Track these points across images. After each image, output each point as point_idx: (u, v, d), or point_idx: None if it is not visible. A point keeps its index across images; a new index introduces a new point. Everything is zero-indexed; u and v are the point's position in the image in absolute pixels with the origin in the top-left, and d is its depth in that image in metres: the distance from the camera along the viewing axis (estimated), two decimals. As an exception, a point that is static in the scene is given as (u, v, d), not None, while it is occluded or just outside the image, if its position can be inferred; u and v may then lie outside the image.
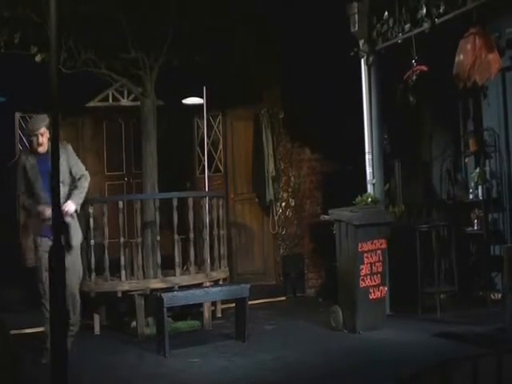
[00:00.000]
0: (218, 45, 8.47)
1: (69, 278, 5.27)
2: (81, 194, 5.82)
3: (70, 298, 5.61)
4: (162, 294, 5.89)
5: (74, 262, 5.70)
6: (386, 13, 6.95)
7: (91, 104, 9.38)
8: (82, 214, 7.14)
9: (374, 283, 6.42)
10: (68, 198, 5.70)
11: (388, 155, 7.82)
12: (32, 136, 5.82)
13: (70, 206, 5.66)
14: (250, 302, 6.35)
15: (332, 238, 6.70)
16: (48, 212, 5.26)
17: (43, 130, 5.78)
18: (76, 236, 5.80)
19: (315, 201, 9.31)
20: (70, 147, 5.91)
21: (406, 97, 6.97)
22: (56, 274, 3.97)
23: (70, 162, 5.81)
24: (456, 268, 7.40)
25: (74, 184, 5.81)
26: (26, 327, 6.93)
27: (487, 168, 7.67)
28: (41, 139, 5.78)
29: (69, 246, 5.55)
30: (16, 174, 6.06)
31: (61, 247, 4.24)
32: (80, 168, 5.89)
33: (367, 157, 7.36)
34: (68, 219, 5.66)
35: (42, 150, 5.75)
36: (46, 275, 5.33)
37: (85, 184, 5.87)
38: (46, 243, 5.47)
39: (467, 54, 6.26)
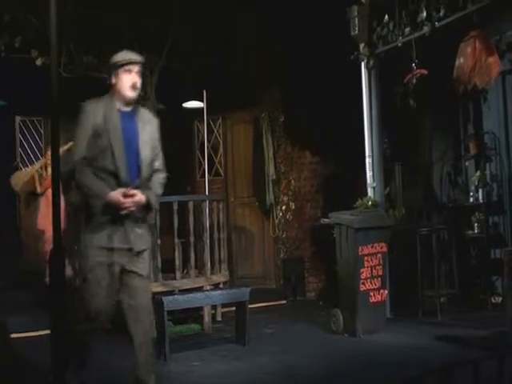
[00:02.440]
0: (218, 48, 8.49)
1: (136, 298, 4.00)
2: (156, 190, 4.18)
3: (139, 328, 4.03)
4: (163, 298, 5.89)
5: (140, 277, 4.06)
6: (386, 16, 6.95)
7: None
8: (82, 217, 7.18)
9: (374, 287, 6.41)
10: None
11: (388, 158, 7.82)
12: (123, 70, 4.01)
13: (141, 198, 3.98)
14: (250, 306, 6.34)
15: (332, 242, 6.69)
16: (128, 202, 3.90)
17: (139, 67, 4.08)
18: (140, 241, 4.07)
19: (315, 204, 9.31)
20: (156, 121, 4.25)
21: (407, 100, 6.97)
22: (56, 276, 3.94)
23: (154, 137, 4.18)
24: (456, 271, 7.39)
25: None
26: (27, 330, 6.92)
27: (487, 171, 7.67)
28: (137, 79, 4.05)
29: (130, 252, 4.01)
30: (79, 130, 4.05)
31: (61, 250, 4.17)
32: (161, 158, 4.27)
33: (367, 160, 7.35)
34: (138, 216, 4.04)
35: (133, 95, 4.04)
36: (103, 292, 3.96)
37: (161, 183, 4.25)
38: (115, 253, 3.98)
39: (467, 57, 6.27)
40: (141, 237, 4.06)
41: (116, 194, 3.89)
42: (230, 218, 9.61)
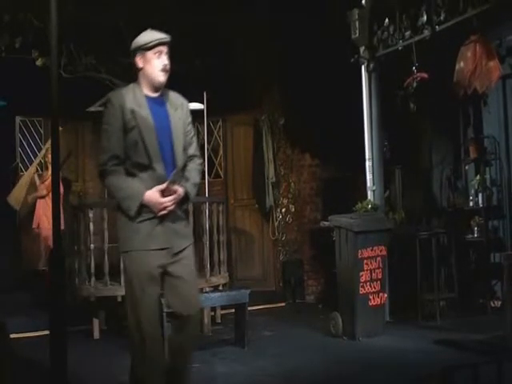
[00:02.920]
0: (218, 49, 8.49)
1: (181, 304, 3.70)
2: (194, 179, 3.82)
3: (185, 330, 3.75)
4: (162, 299, 5.87)
5: (185, 275, 3.76)
6: (387, 20, 6.96)
7: (91, 109, 9.38)
8: (82, 218, 7.18)
9: (373, 290, 6.41)
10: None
11: (388, 162, 7.82)
12: (152, 52, 3.65)
13: (179, 192, 3.67)
14: (249, 308, 6.33)
15: (332, 245, 6.69)
16: (167, 201, 3.58)
17: (168, 48, 3.72)
18: (180, 239, 3.76)
19: (315, 207, 9.31)
20: (187, 104, 3.88)
21: (407, 104, 6.98)
22: (56, 273, 3.91)
23: (186, 121, 3.81)
24: (456, 275, 7.38)
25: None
26: (27, 331, 6.91)
27: (487, 175, 7.67)
28: (168, 61, 3.70)
29: (170, 252, 3.70)
30: (107, 127, 3.66)
31: (60, 249, 4.12)
32: (195, 142, 3.91)
33: (367, 163, 7.36)
34: (177, 212, 3.72)
35: (164, 79, 3.69)
36: (153, 309, 3.68)
37: (198, 170, 3.88)
38: (156, 255, 3.61)
39: (468, 61, 6.28)
40: (180, 234, 3.73)
41: (153, 194, 3.57)
42: (229, 220, 9.60)
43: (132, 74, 7.53)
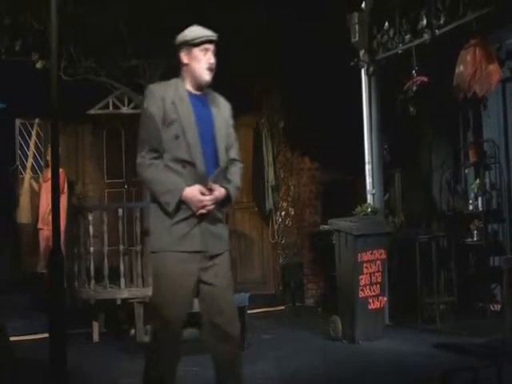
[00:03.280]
0: (218, 52, 8.49)
1: (215, 314, 3.53)
2: (237, 183, 3.61)
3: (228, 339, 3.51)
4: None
5: (221, 284, 3.52)
6: (387, 23, 6.98)
7: (91, 111, 9.38)
8: (82, 220, 7.18)
9: (373, 293, 6.41)
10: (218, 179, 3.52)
11: (388, 165, 7.82)
12: (199, 49, 3.55)
13: (220, 192, 3.46)
14: (248, 311, 6.34)
15: (331, 248, 6.69)
16: (207, 201, 3.38)
17: (214, 46, 3.63)
18: (217, 243, 3.50)
19: (315, 210, 9.31)
20: (230, 107, 3.74)
21: (406, 107, 6.98)
22: (56, 276, 3.92)
23: (229, 123, 3.67)
24: (455, 279, 7.39)
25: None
26: (26, 334, 6.91)
27: (487, 179, 7.67)
28: (214, 60, 3.60)
29: (207, 255, 3.46)
30: (144, 123, 3.52)
31: (60, 250, 4.12)
32: (236, 146, 3.71)
33: (367, 167, 7.36)
34: (216, 213, 3.50)
35: (209, 78, 3.58)
36: (183, 310, 3.55)
37: (240, 174, 3.68)
38: (190, 258, 3.41)
39: (467, 65, 6.28)
40: (218, 237, 3.50)
41: (193, 191, 3.36)
42: (229, 223, 9.54)
43: (131, 77, 7.56)
